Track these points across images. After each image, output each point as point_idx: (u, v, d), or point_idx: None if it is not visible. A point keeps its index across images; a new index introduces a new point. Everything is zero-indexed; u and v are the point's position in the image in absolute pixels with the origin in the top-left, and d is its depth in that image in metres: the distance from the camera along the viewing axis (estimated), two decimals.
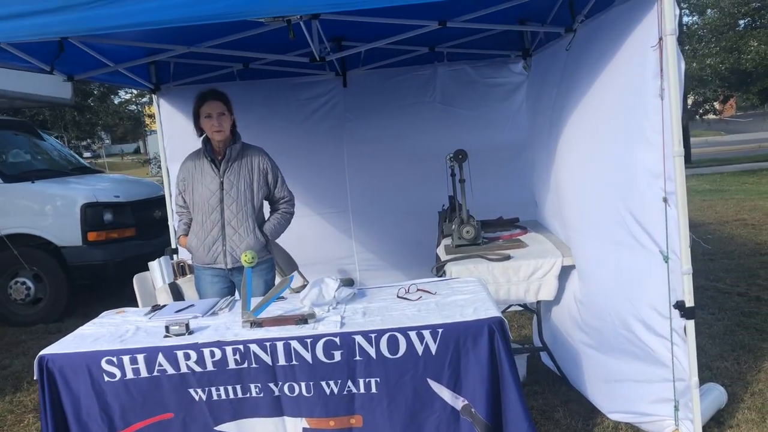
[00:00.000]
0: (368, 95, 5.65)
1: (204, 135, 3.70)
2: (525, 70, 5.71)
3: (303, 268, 5.24)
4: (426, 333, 2.79)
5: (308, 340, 2.79)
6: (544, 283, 3.98)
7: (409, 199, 5.63)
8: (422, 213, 5.35)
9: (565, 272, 3.99)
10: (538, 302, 4.16)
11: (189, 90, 5.44)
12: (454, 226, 4.37)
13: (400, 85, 5.64)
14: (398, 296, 3.29)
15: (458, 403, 2.82)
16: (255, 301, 3.06)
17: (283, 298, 3.34)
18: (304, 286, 5.37)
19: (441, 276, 4.23)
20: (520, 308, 4.72)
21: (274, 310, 3.15)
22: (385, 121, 5.65)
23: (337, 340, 2.79)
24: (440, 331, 2.79)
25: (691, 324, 2.89)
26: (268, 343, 2.79)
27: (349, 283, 5.39)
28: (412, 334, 2.79)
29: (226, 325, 3.04)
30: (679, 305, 2.88)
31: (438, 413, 2.82)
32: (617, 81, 3.14)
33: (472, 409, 2.82)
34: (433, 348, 2.79)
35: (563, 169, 4.02)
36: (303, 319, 2.95)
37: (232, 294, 3.76)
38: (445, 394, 2.83)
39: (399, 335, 2.79)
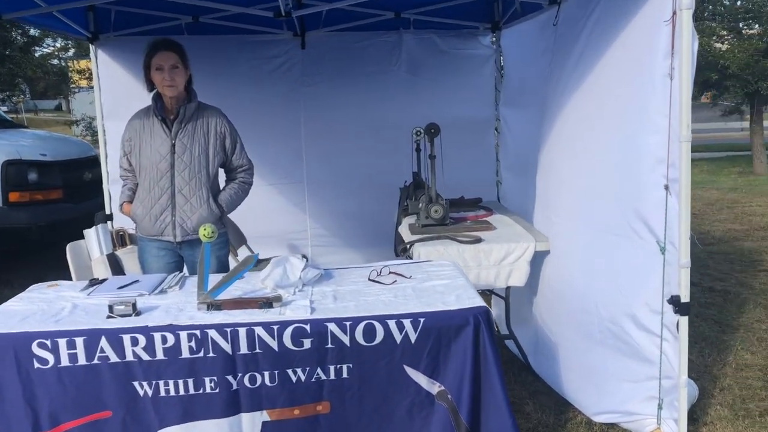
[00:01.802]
0: (328, 59, 5.28)
1: (155, 91, 3.28)
2: (493, 44, 5.45)
3: (251, 242, 4.88)
4: (406, 322, 2.53)
5: (275, 327, 2.48)
6: (516, 269, 3.78)
7: (368, 172, 5.32)
8: (382, 188, 5.07)
9: (537, 258, 3.80)
10: (508, 288, 3.95)
11: (131, 42, 4.97)
12: (421, 205, 4.11)
13: (362, 50, 5.29)
14: (370, 279, 3.01)
15: (434, 388, 2.59)
16: (210, 281, 2.72)
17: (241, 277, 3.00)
18: (246, 257, 5.04)
19: (406, 257, 3.98)
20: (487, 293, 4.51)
21: (233, 290, 2.82)
22: (346, 88, 5.30)
23: (307, 327, 2.49)
24: (422, 320, 2.54)
25: (684, 320, 2.72)
26: (228, 329, 2.47)
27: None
28: (391, 323, 2.53)
29: (178, 306, 2.69)
30: (674, 300, 2.71)
31: (412, 397, 2.59)
32: (622, 59, 2.92)
33: (449, 396, 2.60)
34: (413, 337, 2.54)
35: (553, 153, 3.80)
36: (268, 303, 2.63)
37: (180, 270, 3.39)
38: (421, 379, 2.59)
39: (377, 323, 2.52)
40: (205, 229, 2.63)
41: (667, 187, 2.68)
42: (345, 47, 5.29)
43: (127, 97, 4.69)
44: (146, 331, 2.45)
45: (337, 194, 5.41)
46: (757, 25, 14.06)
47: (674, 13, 2.55)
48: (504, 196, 5.50)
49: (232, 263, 4.05)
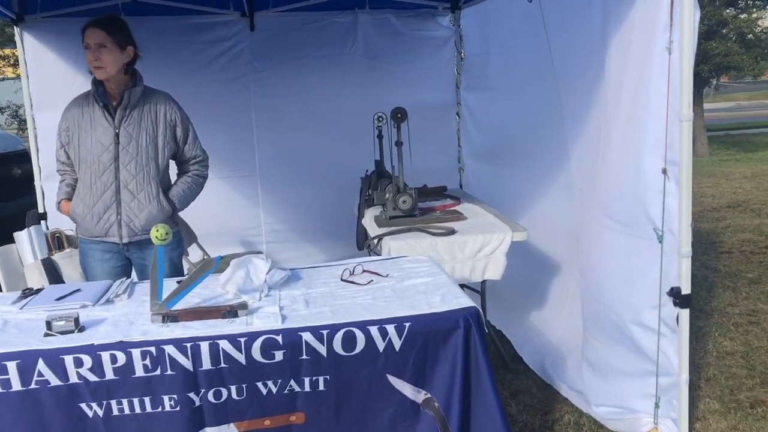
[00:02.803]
0: (279, 42, 4.94)
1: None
2: (452, 25, 5.21)
3: (202, 240, 4.52)
4: (390, 328, 2.27)
5: (242, 340, 2.19)
6: (492, 261, 3.55)
7: (325, 162, 5.01)
8: (341, 178, 4.78)
9: (516, 248, 3.59)
10: (483, 282, 3.73)
11: (61, 24, 4.54)
12: (387, 195, 3.84)
13: (316, 32, 4.97)
14: (343, 279, 2.73)
15: (419, 396, 2.35)
16: (164, 289, 2.40)
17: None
18: (206, 260, 4.69)
19: (374, 253, 3.72)
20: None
21: (191, 298, 2.50)
22: (299, 73, 4.97)
23: (279, 338, 2.20)
24: (407, 325, 2.28)
25: (685, 314, 2.55)
26: (188, 344, 2.16)
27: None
28: (373, 330, 2.26)
29: (128, 319, 2.36)
30: (674, 292, 2.53)
31: (395, 407, 2.34)
32: (621, 33, 2.70)
33: (436, 404, 2.36)
34: (398, 344, 2.28)
35: (541, 137, 3.60)
36: (232, 312, 2.33)
37: (128, 274, 3.05)
38: (406, 389, 2.34)
39: (357, 331, 2.25)
40: (157, 230, 2.31)
41: (665, 171, 2.49)
42: (297, 29, 4.96)
43: (60, 85, 4.29)
44: (92, 350, 2.12)
45: (292, 186, 5.08)
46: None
47: None
48: (467, 184, 5.31)
49: (185, 264, 3.72)
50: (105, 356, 2.11)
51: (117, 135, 2.92)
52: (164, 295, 2.37)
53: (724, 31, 13.15)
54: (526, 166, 4.44)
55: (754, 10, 13.85)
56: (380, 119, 4.22)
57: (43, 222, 4.64)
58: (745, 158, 12.51)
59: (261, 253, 4.89)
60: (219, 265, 2.69)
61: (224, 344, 2.17)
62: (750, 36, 13.39)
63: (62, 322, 2.22)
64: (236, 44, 4.91)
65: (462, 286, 4.15)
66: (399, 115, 3.77)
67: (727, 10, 13.31)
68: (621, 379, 2.87)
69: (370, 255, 4.00)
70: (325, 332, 2.23)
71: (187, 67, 4.85)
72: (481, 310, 2.38)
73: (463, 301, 2.42)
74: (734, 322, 4.28)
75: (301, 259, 5.02)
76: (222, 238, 4.80)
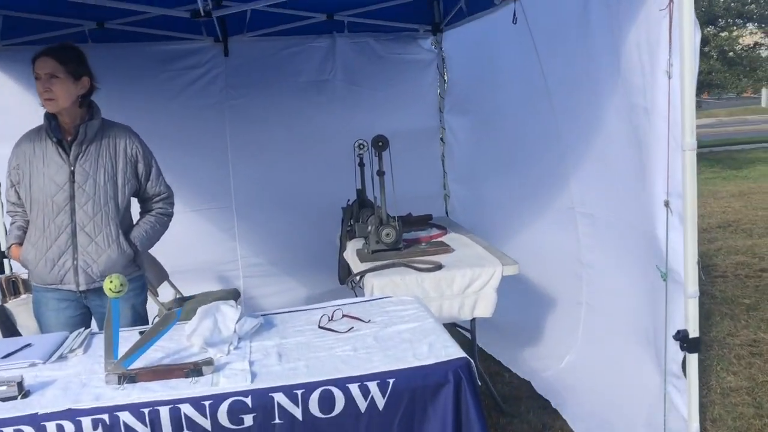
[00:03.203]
0: (255, 68, 4.74)
1: None
2: (434, 48, 5.05)
3: (175, 278, 4.28)
4: (372, 385, 2.05)
5: (207, 403, 1.95)
6: (482, 297, 3.34)
7: (304, 192, 4.79)
8: (321, 209, 4.58)
9: (510, 283, 3.38)
10: (473, 320, 3.51)
11: (24, 52, 4.20)
12: (370, 228, 3.63)
13: (293, 57, 4.78)
14: (320, 327, 2.50)
15: None
16: (124, 341, 2.16)
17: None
18: (181, 299, 4.43)
19: (355, 290, 3.50)
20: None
21: (152, 352, 2.26)
22: (276, 100, 4.76)
23: (248, 400, 1.97)
24: (391, 381, 2.06)
25: (694, 359, 2.34)
26: (146, 410, 1.92)
27: (233, 294, 4.50)
28: (353, 388, 2.04)
29: (80, 380, 2.12)
30: (681, 335, 2.32)
31: None
32: (618, 54, 2.52)
33: None
34: (381, 403, 2.06)
35: (529, 161, 3.41)
36: (196, 370, 2.09)
37: (87, 324, 2.79)
38: None
39: (335, 390, 2.02)
40: (111, 282, 2.07)
41: (667, 204, 2.30)
42: (273, 54, 4.77)
43: (22, 117, 4.01)
44: (35, 420, 1.88)
45: (270, 217, 4.83)
46: None
47: (671, 0, 2.17)
48: (453, 210, 5.11)
49: (153, 308, 3.47)
50: (50, 427, 1.88)
51: (72, 173, 2.68)
52: (122, 351, 2.14)
53: (706, 49, 13.18)
54: (517, 191, 4.26)
55: (735, 28, 13.92)
56: (361, 147, 4.03)
57: (6, 261, 4.36)
58: (731, 176, 12.43)
59: (236, 289, 4.67)
60: (185, 311, 2.47)
61: (187, 409, 1.94)
62: (731, 54, 13.44)
63: (4, 387, 1.98)
64: (210, 71, 4.70)
65: (451, 324, 3.98)
66: (380, 144, 3.56)
67: (708, 28, 13.36)
68: (627, 423, 2.66)
69: (353, 290, 3.79)
70: (299, 392, 2.00)
71: (158, 96, 4.63)
72: (472, 360, 2.15)
73: (453, 351, 2.20)
74: (736, 353, 4.08)
75: (280, 295, 4.79)
76: (196, 274, 4.55)
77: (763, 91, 23.57)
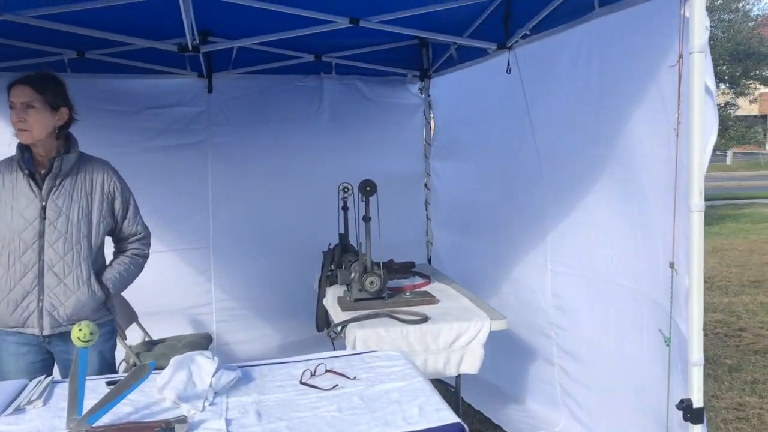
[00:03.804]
0: (240, 106, 4.62)
1: None
2: (421, 93, 5.00)
3: (144, 319, 4.07)
4: None
5: None
6: (468, 353, 3.21)
7: (285, 234, 4.63)
8: (301, 252, 4.42)
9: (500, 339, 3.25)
10: (458, 377, 3.37)
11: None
12: (353, 275, 3.49)
13: (279, 96, 4.68)
14: (302, 382, 2.34)
15: None
16: (89, 392, 1.98)
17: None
18: (150, 342, 4.22)
19: (336, 338, 3.34)
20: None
21: (119, 406, 2.07)
22: (260, 139, 4.64)
23: None
24: None
25: (698, 430, 2.21)
26: None
27: (206, 339, 4.31)
28: None
29: None
30: (684, 405, 2.20)
31: None
32: (620, 109, 2.46)
33: None
34: None
35: (521, 216, 3.33)
36: (168, 428, 1.91)
37: (48, 371, 2.59)
38: None
39: None
40: (80, 330, 1.90)
41: (672, 265, 2.21)
42: (258, 92, 4.66)
43: None
44: None
45: (248, 259, 4.66)
46: None
47: (680, 56, 2.11)
48: (436, 257, 5.00)
49: (120, 351, 3.27)
50: None
51: (44, 208, 2.52)
52: (87, 404, 1.96)
53: None
54: (499, 241, 4.17)
55: None
56: (346, 190, 3.91)
57: None
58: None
59: (208, 334, 4.47)
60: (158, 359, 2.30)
61: None
62: None
63: None
64: (193, 107, 4.57)
65: (435, 379, 3.83)
66: (368, 189, 3.45)
67: None
68: None
69: (332, 340, 3.63)
70: None
71: (138, 131, 4.48)
72: (466, 426, 2.01)
73: (446, 415, 2.06)
74: (722, 418, 3.98)
75: (255, 341, 4.60)
76: (167, 316, 4.35)
77: (728, 151, 24.18)
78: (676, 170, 2.16)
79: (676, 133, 2.15)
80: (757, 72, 16.18)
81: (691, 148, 2.11)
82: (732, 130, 16.41)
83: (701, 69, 2.08)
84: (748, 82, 16.61)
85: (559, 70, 3.02)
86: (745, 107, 20.70)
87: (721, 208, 15.95)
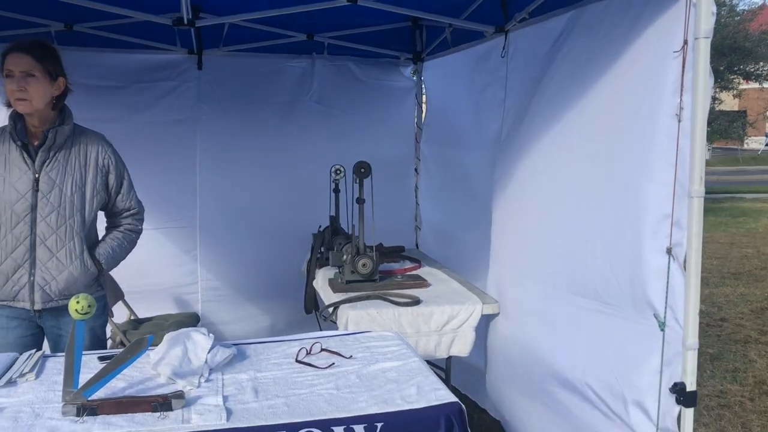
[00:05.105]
0: (229, 84, 4.55)
1: (13, 108, 2.48)
2: (413, 76, 4.97)
3: (130, 297, 4.03)
4: (359, 429, 1.89)
5: None
6: (459, 336, 3.23)
7: (274, 215, 4.57)
8: (289, 234, 4.41)
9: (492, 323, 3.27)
10: (449, 359, 3.38)
11: None
12: (345, 257, 3.48)
13: (270, 76, 4.62)
14: (298, 360, 2.33)
15: None
16: (82, 366, 1.95)
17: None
18: (135, 321, 4.18)
19: (328, 319, 3.33)
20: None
21: (116, 381, 2.05)
22: (249, 118, 4.57)
23: None
24: (379, 425, 1.91)
25: (689, 414, 2.24)
26: None
27: (193, 319, 4.28)
28: (338, 431, 1.88)
29: (33, 409, 1.91)
30: (678, 388, 2.23)
31: None
32: (617, 94, 2.46)
33: None
34: None
35: (514, 202, 3.31)
36: (165, 403, 1.90)
37: (38, 345, 2.56)
38: None
39: None
40: (78, 302, 1.87)
41: (669, 251, 2.22)
42: (249, 71, 4.59)
43: None
44: None
45: (235, 239, 4.59)
46: None
47: (685, 42, 2.11)
48: (424, 243, 4.99)
49: (108, 328, 3.24)
50: None
51: (36, 180, 2.47)
52: (82, 379, 1.93)
53: None
54: (486, 229, 4.16)
55: None
56: (338, 172, 3.90)
57: None
58: None
59: (195, 314, 4.44)
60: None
61: None
62: None
63: None
64: (182, 83, 4.48)
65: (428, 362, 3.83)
66: (363, 170, 3.43)
67: None
68: None
69: (320, 322, 3.62)
70: None
71: (125, 106, 4.39)
72: (464, 406, 2.01)
73: (443, 394, 2.07)
74: (705, 405, 4.03)
75: (242, 322, 4.57)
76: (153, 296, 4.29)
77: (709, 146, 24.42)
78: (677, 156, 2.16)
79: (678, 119, 2.15)
80: (741, 67, 16.32)
81: (694, 134, 2.12)
82: (715, 124, 16.56)
83: (707, 55, 2.08)
84: (732, 77, 16.74)
85: (559, 55, 3.01)
86: (728, 102, 20.88)
87: None
